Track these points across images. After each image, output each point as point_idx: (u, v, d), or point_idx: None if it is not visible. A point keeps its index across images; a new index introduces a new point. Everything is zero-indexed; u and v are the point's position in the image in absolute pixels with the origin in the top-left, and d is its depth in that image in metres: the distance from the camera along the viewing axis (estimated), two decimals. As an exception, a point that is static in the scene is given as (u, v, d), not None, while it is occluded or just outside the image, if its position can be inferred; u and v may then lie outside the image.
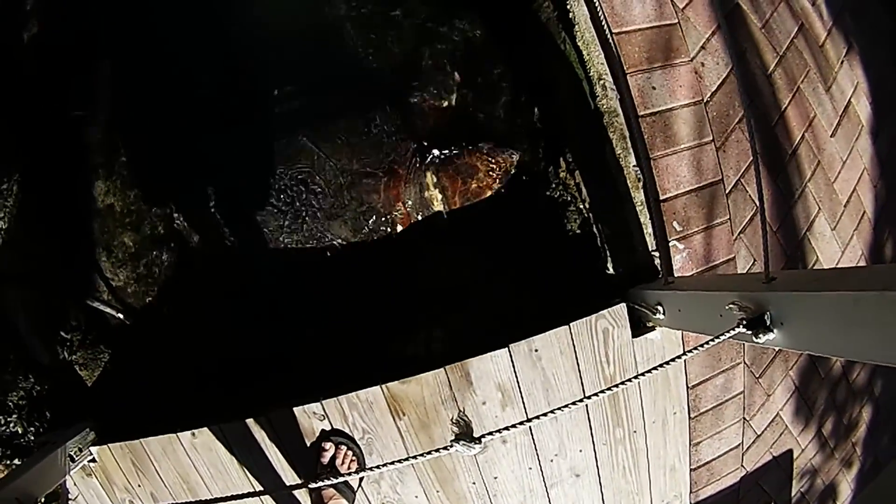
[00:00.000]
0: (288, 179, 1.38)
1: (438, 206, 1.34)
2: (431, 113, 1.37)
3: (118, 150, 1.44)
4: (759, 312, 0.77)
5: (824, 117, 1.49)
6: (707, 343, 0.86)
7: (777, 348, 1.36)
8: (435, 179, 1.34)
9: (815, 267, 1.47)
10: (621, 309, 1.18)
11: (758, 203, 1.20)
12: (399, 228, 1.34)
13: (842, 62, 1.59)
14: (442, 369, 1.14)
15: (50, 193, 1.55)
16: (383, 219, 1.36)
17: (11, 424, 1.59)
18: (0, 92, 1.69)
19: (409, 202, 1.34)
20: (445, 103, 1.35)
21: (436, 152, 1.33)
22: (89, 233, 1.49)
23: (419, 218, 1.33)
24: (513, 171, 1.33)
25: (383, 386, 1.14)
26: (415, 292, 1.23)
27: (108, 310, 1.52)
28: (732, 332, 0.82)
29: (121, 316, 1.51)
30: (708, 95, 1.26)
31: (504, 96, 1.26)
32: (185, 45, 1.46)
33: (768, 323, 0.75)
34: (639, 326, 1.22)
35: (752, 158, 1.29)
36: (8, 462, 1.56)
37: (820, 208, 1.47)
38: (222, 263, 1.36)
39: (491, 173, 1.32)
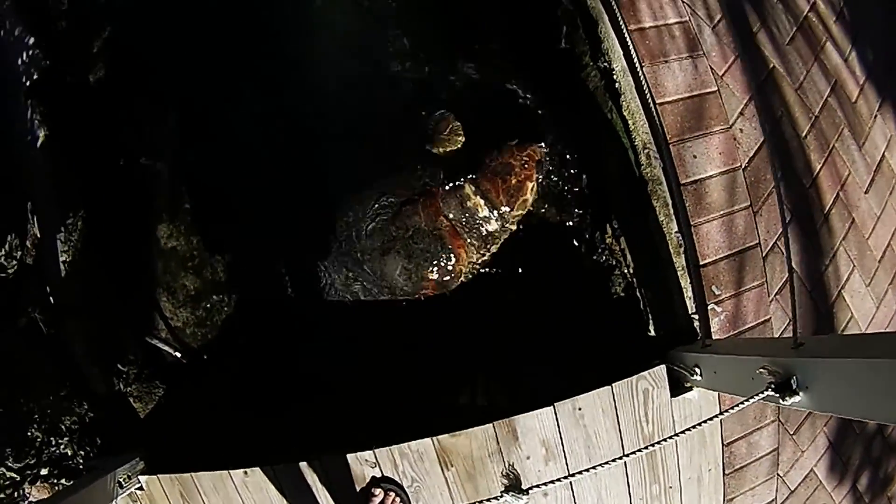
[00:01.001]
0: (339, 230, 1.47)
1: (484, 212, 1.41)
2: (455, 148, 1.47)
3: (183, 197, 1.56)
4: (786, 377, 0.84)
5: (857, 175, 1.55)
6: (739, 405, 0.92)
7: (803, 409, 1.40)
8: (474, 188, 1.42)
9: (850, 324, 1.50)
10: (661, 370, 1.24)
11: (787, 271, 1.25)
12: (448, 242, 1.40)
13: (875, 116, 1.64)
14: (490, 425, 1.21)
15: (114, 232, 1.68)
16: (430, 236, 1.43)
17: (62, 446, 1.69)
18: (68, 130, 1.85)
19: (451, 214, 1.41)
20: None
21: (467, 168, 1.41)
22: (151, 272, 1.61)
23: (466, 228, 1.39)
24: (546, 160, 1.40)
25: (434, 438, 1.20)
26: (464, 345, 1.31)
27: (165, 347, 1.62)
28: (762, 395, 0.89)
29: (178, 354, 1.61)
30: (745, 161, 1.33)
31: (553, 161, 1.36)
32: (244, 102, 1.57)
33: (795, 387, 0.82)
34: (677, 386, 1.28)
35: (788, 221, 1.35)
36: (55, 482, 1.66)
37: (854, 265, 1.52)
38: (282, 310, 1.46)
39: (525, 166, 1.39)
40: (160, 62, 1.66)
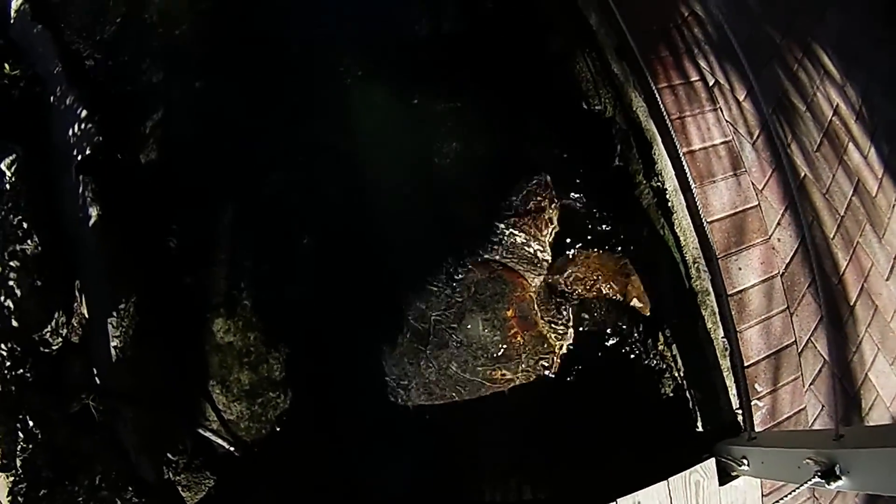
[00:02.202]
0: (413, 323, 1.53)
1: (522, 240, 1.50)
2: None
3: (242, 293, 1.63)
4: (830, 465, 1.00)
5: (879, 265, 1.73)
6: (790, 494, 1.06)
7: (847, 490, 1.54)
8: (508, 228, 1.52)
9: (877, 402, 1.67)
10: (711, 463, 1.40)
11: (827, 359, 1.41)
12: (506, 278, 1.47)
13: (893, 207, 1.83)
14: (558, 524, 1.31)
15: (168, 322, 1.73)
16: (490, 282, 1.48)
17: None
18: (121, 212, 1.88)
19: (497, 256, 1.48)
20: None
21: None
22: (205, 365, 1.66)
23: (514, 260, 1.48)
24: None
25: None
26: (531, 447, 1.42)
27: (217, 439, 1.67)
28: (810, 483, 1.05)
29: (230, 447, 1.66)
30: (783, 268, 1.48)
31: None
32: (306, 195, 1.62)
33: (838, 473, 0.98)
34: (725, 475, 1.42)
35: (819, 318, 1.49)
36: None
37: (878, 349, 1.69)
38: (342, 409, 1.54)
39: (542, 193, 1.51)
40: (219, 153, 1.75)
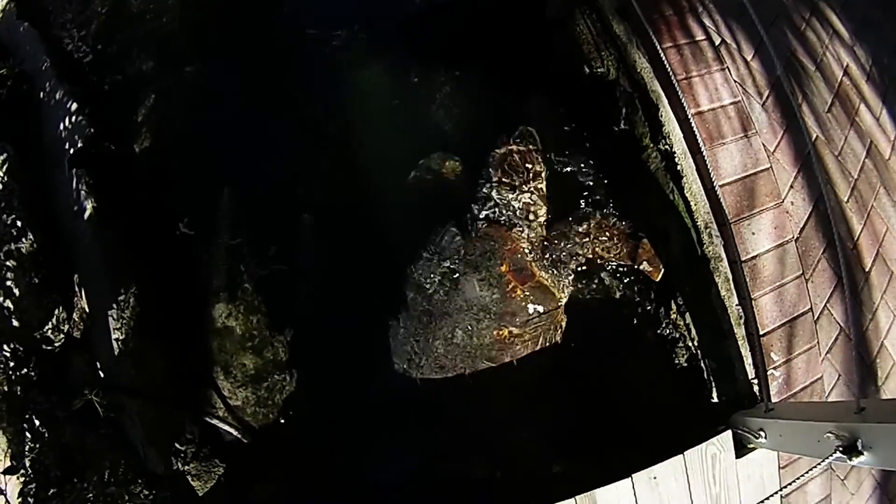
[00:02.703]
0: (411, 298, 1.50)
1: (509, 194, 1.48)
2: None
3: (242, 276, 1.60)
4: (852, 440, 0.97)
5: (893, 230, 1.69)
6: (812, 469, 1.03)
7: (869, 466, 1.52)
8: (489, 184, 1.48)
9: (893, 370, 1.63)
10: (727, 435, 1.37)
11: (847, 330, 1.37)
12: (494, 234, 1.46)
13: None
14: (573, 499, 1.29)
15: (168, 310, 1.71)
16: (478, 241, 1.45)
17: None
18: (117, 203, 1.86)
19: (482, 213, 1.45)
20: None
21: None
22: (208, 352, 1.64)
23: (501, 215, 1.44)
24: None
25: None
26: (546, 418, 1.39)
27: (224, 426, 1.66)
28: (832, 457, 1.01)
29: (237, 434, 1.64)
30: (797, 233, 1.44)
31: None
32: (302, 180, 1.59)
33: (860, 448, 0.95)
34: (741, 447, 1.39)
35: (834, 284, 1.45)
36: None
37: (894, 315, 1.64)
38: (347, 393, 1.52)
39: (520, 143, 1.49)
40: (214, 139, 1.72)
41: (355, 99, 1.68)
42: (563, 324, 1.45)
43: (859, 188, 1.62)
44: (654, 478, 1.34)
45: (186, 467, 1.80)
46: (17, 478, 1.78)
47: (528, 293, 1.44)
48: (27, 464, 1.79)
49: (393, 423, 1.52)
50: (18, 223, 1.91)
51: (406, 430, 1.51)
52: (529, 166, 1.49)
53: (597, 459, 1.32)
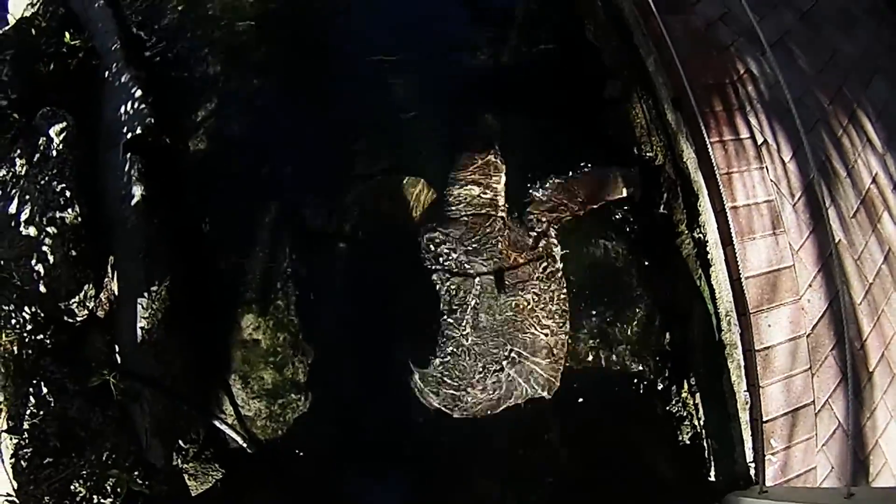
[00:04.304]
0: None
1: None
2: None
3: (276, 294, 1.71)
4: None
5: None
6: None
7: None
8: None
9: (884, 468, 1.75)
10: (720, 512, 1.46)
11: (845, 426, 1.51)
12: (472, 223, 1.70)
13: None
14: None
15: (198, 311, 1.80)
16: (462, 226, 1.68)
17: None
18: (166, 197, 1.96)
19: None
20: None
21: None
22: (229, 358, 1.74)
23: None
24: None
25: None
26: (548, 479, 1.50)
27: (231, 433, 1.75)
28: None
29: (242, 443, 1.73)
30: (809, 328, 1.57)
31: (640, 315, 1.60)
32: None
33: None
34: (732, 526, 1.48)
35: (839, 380, 1.57)
36: None
37: (892, 416, 1.78)
38: (358, 422, 1.60)
39: None
40: (267, 153, 1.83)
41: (407, 141, 1.83)
42: (564, 279, 1.67)
43: (873, 292, 1.78)
44: (647, 543, 1.46)
45: (185, 466, 1.88)
46: (11, 439, 1.84)
47: (529, 262, 1.67)
48: (25, 426, 1.86)
49: (396, 455, 1.62)
50: (67, 193, 2.01)
51: (407, 463, 1.61)
52: (491, 165, 1.75)
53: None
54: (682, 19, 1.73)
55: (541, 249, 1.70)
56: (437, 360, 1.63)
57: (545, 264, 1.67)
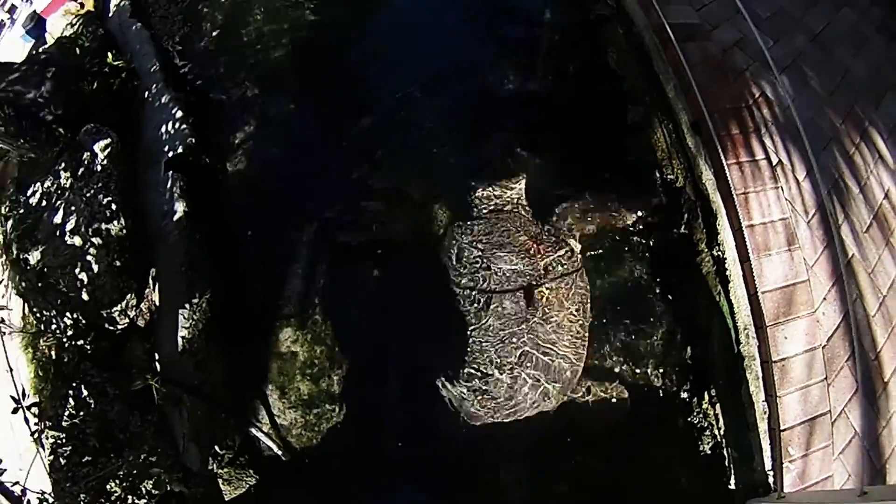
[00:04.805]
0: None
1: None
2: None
3: (314, 308, 1.84)
4: None
5: None
6: None
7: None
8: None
9: (899, 479, 1.82)
10: (741, 515, 1.55)
11: (858, 431, 1.60)
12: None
13: None
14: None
15: (237, 322, 1.93)
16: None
17: None
18: (206, 213, 2.09)
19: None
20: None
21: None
22: (266, 369, 1.88)
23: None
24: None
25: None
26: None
27: (266, 440, 1.88)
28: None
29: (277, 450, 1.86)
30: (825, 340, 1.66)
31: (662, 330, 1.72)
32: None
33: None
34: (752, 531, 1.57)
35: (854, 390, 1.66)
36: None
37: (906, 426, 1.84)
38: (391, 435, 1.70)
39: None
40: (305, 176, 1.95)
41: (437, 169, 1.96)
42: (583, 270, 1.84)
43: (887, 304, 1.88)
44: (670, 545, 1.55)
45: (220, 471, 2.02)
46: (49, 437, 1.96)
47: (546, 249, 1.85)
48: (65, 426, 1.98)
49: (422, 465, 1.72)
50: (113, 206, 2.17)
51: (434, 472, 1.69)
52: (511, 173, 1.96)
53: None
54: (699, 46, 1.86)
55: (561, 240, 1.84)
56: (465, 364, 1.72)
57: (567, 254, 1.81)
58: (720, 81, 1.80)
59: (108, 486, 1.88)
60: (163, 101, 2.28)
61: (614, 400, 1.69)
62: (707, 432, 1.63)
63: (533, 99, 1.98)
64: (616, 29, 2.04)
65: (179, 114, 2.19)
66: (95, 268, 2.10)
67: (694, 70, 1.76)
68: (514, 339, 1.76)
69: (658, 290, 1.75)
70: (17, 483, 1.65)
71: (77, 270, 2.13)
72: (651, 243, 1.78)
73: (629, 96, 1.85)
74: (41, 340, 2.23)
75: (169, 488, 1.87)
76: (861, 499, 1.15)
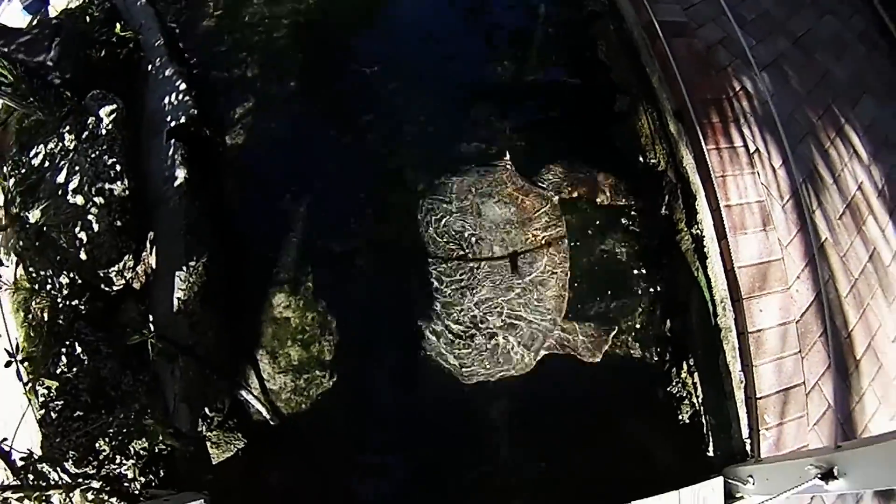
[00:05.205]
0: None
1: None
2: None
3: (308, 275, 1.92)
4: (829, 468, 1.24)
5: (886, 328, 2.08)
6: (790, 490, 1.29)
7: (841, 492, 1.77)
8: None
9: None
10: (719, 480, 1.67)
11: (832, 404, 1.71)
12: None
13: None
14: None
15: (233, 287, 2.01)
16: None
17: (125, 467, 1.93)
18: (206, 182, 2.18)
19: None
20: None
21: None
22: (258, 334, 1.95)
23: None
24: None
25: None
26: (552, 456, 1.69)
27: (256, 404, 1.95)
28: (809, 483, 1.27)
29: (266, 414, 1.92)
30: (798, 315, 1.79)
31: (643, 303, 1.84)
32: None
33: (836, 474, 1.21)
34: (730, 497, 1.66)
35: (827, 365, 1.77)
36: (105, 499, 1.86)
37: (881, 403, 1.99)
38: (379, 402, 1.77)
39: None
40: (300, 152, 2.04)
41: (432, 148, 2.07)
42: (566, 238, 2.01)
43: (858, 287, 2.02)
44: (650, 509, 1.62)
45: (210, 433, 2.06)
46: (41, 385, 1.96)
47: (532, 200, 2.03)
48: (58, 375, 1.98)
49: (410, 435, 1.77)
50: (117, 167, 2.24)
51: (421, 442, 1.76)
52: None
53: (594, 491, 1.58)
54: (685, 42, 2.03)
55: (545, 192, 1.99)
56: (451, 327, 1.79)
57: (551, 208, 1.96)
58: (703, 75, 1.96)
59: (97, 445, 1.91)
60: (167, 73, 2.38)
61: (595, 368, 1.76)
62: (686, 401, 1.73)
63: (524, 87, 2.12)
64: (608, 25, 2.21)
65: (183, 86, 2.29)
66: (96, 227, 2.16)
67: (679, 63, 1.91)
68: (501, 303, 1.85)
69: (640, 266, 1.86)
70: (5, 440, 1.67)
71: (77, 229, 2.18)
72: (633, 222, 1.91)
73: (617, 87, 2.01)
74: (34, 303, 2.27)
75: (160, 445, 1.91)
76: (836, 450, 1.23)
